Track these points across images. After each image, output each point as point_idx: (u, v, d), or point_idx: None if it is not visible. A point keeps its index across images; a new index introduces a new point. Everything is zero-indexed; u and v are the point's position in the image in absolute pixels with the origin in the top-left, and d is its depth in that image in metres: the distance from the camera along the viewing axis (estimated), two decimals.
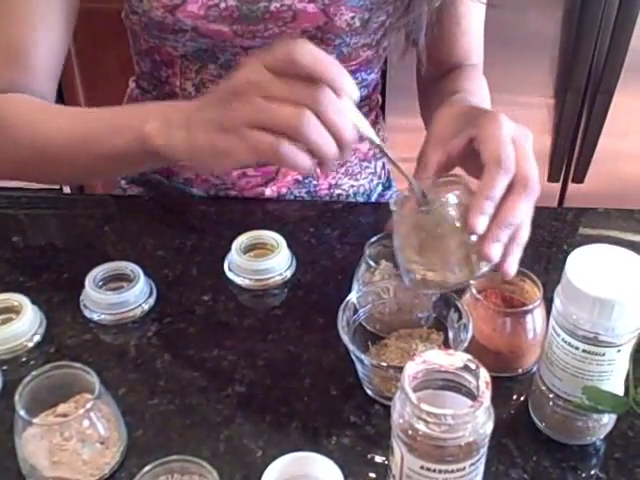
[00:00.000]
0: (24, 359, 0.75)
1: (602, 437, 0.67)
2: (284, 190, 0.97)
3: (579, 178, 1.94)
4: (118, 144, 0.71)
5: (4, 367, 0.74)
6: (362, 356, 0.67)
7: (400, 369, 0.68)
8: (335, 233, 0.91)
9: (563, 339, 0.61)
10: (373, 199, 1.05)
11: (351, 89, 0.59)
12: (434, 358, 0.56)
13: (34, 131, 0.79)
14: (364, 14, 0.84)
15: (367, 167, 1.02)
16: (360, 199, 1.03)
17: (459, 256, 0.64)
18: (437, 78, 0.94)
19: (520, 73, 1.80)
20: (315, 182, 0.98)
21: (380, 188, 1.06)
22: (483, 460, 0.56)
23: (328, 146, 0.59)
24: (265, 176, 0.96)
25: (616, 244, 0.63)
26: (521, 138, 0.65)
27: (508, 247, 0.63)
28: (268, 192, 0.97)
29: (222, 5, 0.81)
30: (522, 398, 0.72)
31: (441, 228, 0.64)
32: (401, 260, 0.67)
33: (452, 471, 0.54)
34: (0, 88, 0.82)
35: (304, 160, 0.60)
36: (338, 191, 1.00)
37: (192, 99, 0.91)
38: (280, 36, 0.84)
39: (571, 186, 1.96)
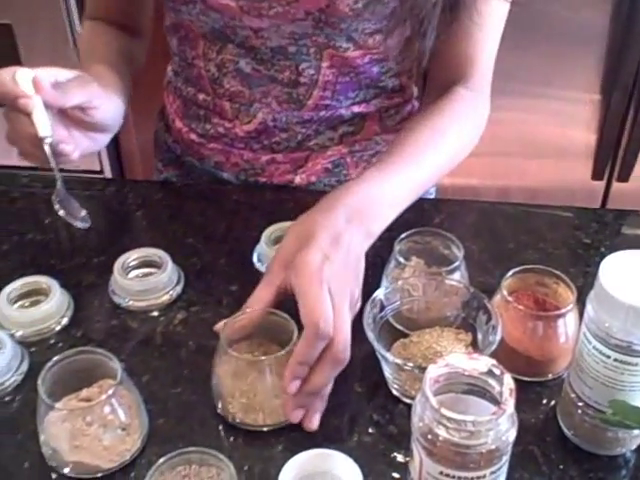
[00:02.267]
0: (51, 342, 0.75)
1: (633, 448, 0.65)
2: (313, 178, 0.96)
3: (624, 177, 1.90)
4: None
5: (32, 349, 0.74)
6: (387, 354, 0.66)
7: (425, 369, 0.67)
8: None
9: (594, 347, 0.60)
10: None
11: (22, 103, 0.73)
12: (457, 362, 0.54)
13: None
14: None
15: None
16: None
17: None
18: (436, 89, 0.89)
19: (567, 68, 1.76)
20: (345, 171, 0.97)
21: None
22: (505, 468, 0.55)
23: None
24: (295, 163, 0.95)
25: None
26: (339, 290, 0.66)
27: (313, 403, 0.67)
28: (297, 180, 0.96)
29: None
30: (551, 404, 0.70)
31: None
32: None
33: (472, 479, 0.53)
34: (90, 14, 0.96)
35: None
36: None
37: (215, 80, 0.91)
38: (285, 16, 0.82)
39: (615, 185, 1.92)
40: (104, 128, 0.81)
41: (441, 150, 0.82)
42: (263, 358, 0.67)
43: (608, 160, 1.88)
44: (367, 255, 0.85)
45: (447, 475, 0.53)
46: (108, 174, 1.90)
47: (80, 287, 0.81)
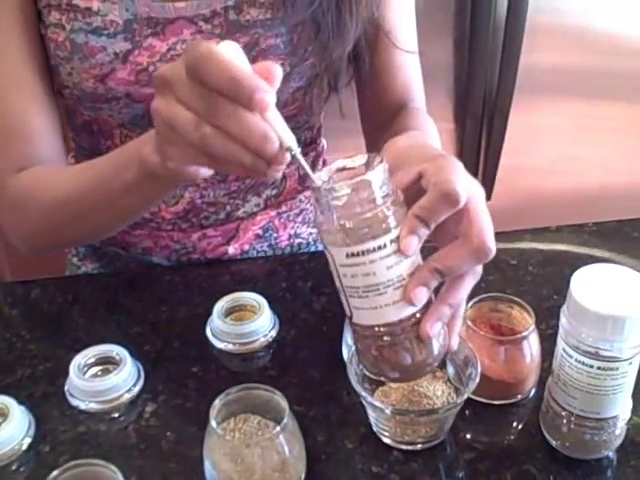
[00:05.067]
0: (14, 467, 0.70)
1: (615, 449, 0.70)
2: (247, 247, 0.97)
3: (486, 196, 2.01)
4: (127, 178, 0.68)
5: None
6: (381, 404, 0.67)
7: (425, 412, 0.69)
8: (308, 285, 0.91)
9: (576, 359, 0.64)
10: None
11: (261, 99, 0.52)
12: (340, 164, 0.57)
13: (51, 194, 0.79)
14: (292, 59, 0.85)
15: None
16: (320, 246, 1.03)
17: None
18: (385, 122, 0.95)
19: None
20: (275, 234, 0.98)
21: None
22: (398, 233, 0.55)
23: (244, 160, 0.53)
24: (226, 235, 0.95)
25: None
26: (480, 198, 0.59)
27: (450, 322, 0.60)
28: (231, 250, 0.96)
29: (151, 68, 0.82)
30: (530, 422, 0.73)
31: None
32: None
33: (374, 250, 0.54)
34: (11, 167, 0.83)
35: (231, 169, 0.55)
36: (298, 240, 1.01)
37: None
38: None
39: None
40: None
41: None
42: (266, 436, 0.66)
43: None
44: (317, 312, 0.87)
45: (353, 254, 0.54)
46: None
47: (34, 399, 0.76)
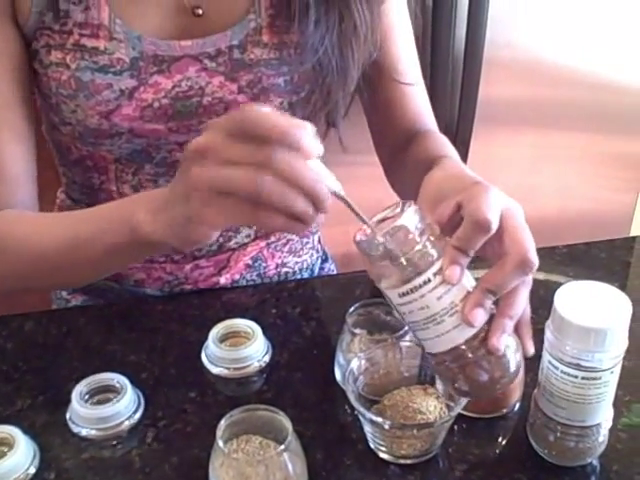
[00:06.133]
0: None
1: (598, 455, 0.74)
2: (237, 276, 1.00)
3: None
4: (111, 241, 0.71)
5: None
6: (381, 421, 0.70)
7: (422, 426, 0.72)
8: (296, 311, 0.94)
9: (562, 371, 0.68)
10: (316, 273, 1.09)
11: (309, 145, 0.55)
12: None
13: (29, 245, 0.79)
14: (292, 97, 0.89)
15: (307, 243, 1.07)
16: (305, 274, 1.07)
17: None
18: (400, 146, 0.96)
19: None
20: (264, 264, 1.01)
21: (319, 262, 1.11)
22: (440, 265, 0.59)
23: (297, 205, 0.55)
24: (218, 265, 0.98)
25: None
26: (518, 215, 0.63)
27: (520, 330, 0.65)
28: (222, 280, 0.99)
29: (156, 105, 0.84)
30: (517, 433, 0.77)
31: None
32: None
33: (421, 285, 0.58)
34: None
35: (277, 221, 0.56)
36: (285, 269, 1.04)
37: None
38: None
39: None
40: None
41: None
42: (271, 455, 0.68)
43: None
44: (308, 336, 0.90)
45: (404, 294, 0.59)
46: None
47: (35, 428, 0.77)
